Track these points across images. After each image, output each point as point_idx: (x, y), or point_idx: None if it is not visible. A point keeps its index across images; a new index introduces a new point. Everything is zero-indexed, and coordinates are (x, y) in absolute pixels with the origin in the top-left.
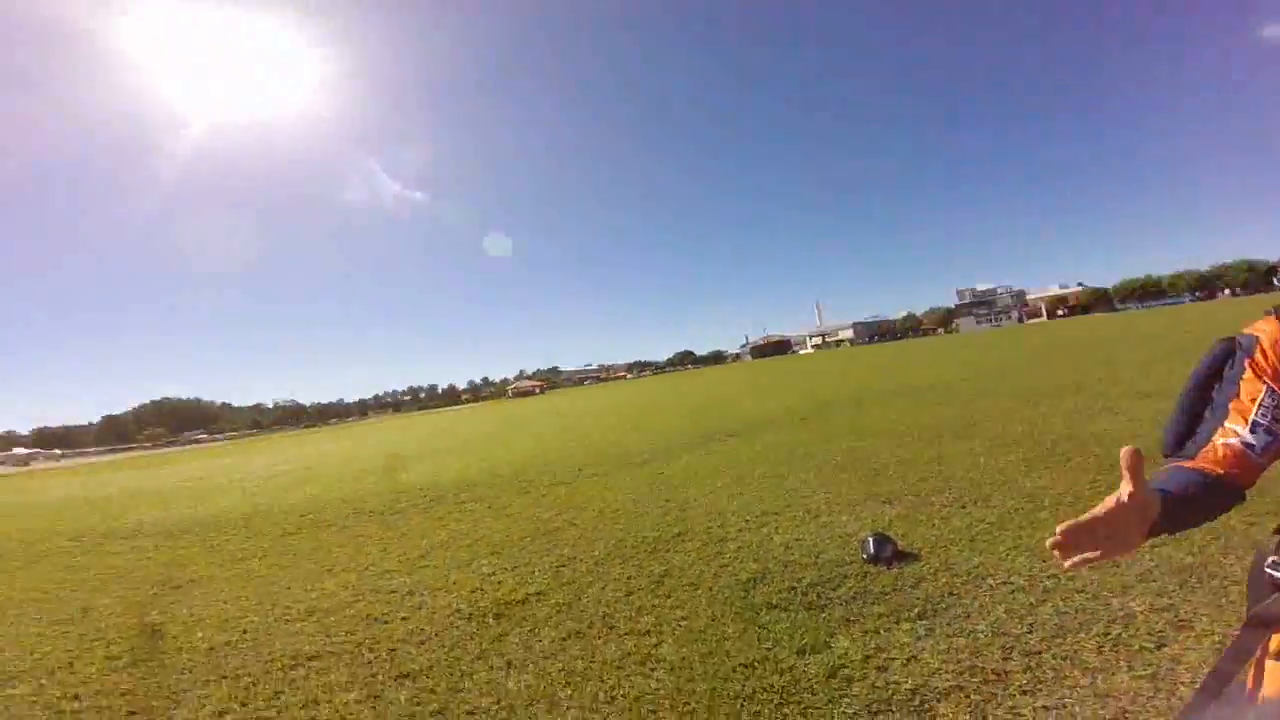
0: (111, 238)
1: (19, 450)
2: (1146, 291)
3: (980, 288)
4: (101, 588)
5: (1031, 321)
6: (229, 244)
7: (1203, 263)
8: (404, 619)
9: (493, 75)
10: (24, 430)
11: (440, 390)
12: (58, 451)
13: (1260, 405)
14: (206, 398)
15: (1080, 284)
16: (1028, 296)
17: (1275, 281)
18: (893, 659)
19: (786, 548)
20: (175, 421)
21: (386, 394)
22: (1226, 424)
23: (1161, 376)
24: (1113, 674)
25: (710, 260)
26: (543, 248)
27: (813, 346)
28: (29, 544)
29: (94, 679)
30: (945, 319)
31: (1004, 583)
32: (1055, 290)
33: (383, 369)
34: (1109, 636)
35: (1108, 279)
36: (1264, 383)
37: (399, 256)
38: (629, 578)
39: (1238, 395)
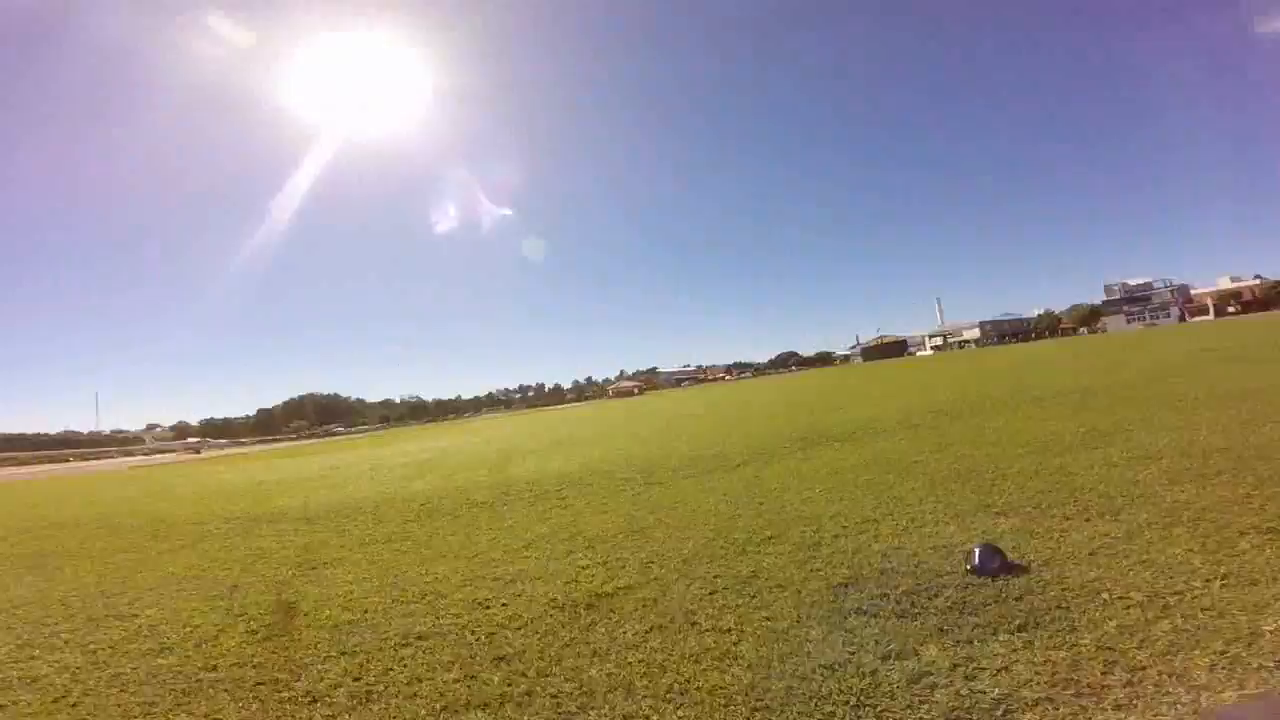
0: (259, 250)
1: (192, 439)
2: None
3: (1133, 282)
4: (249, 567)
5: (1195, 320)
6: (365, 254)
7: None
8: (504, 605)
9: (595, 77)
10: (194, 421)
11: (546, 389)
12: (223, 441)
13: None
14: (343, 393)
15: (1258, 276)
16: (1191, 291)
17: None
18: (982, 669)
19: (884, 555)
20: (316, 415)
21: (498, 391)
22: None
23: None
24: (1220, 692)
25: (816, 254)
26: (642, 246)
27: (932, 348)
28: (195, 524)
29: (233, 651)
30: (1090, 317)
31: (1120, 598)
32: (1226, 284)
33: (494, 367)
34: (1226, 655)
35: None
36: None
37: (508, 263)
38: (715, 577)
39: None
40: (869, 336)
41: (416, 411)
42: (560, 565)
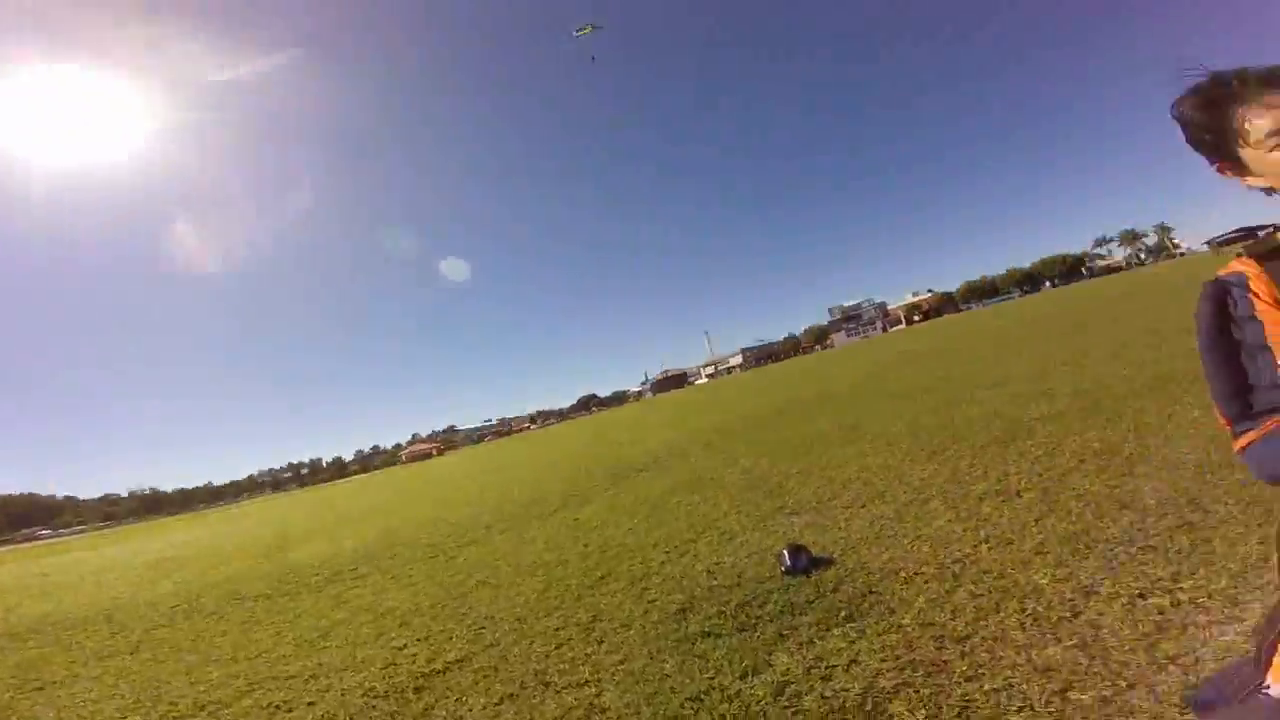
0: None
1: None
2: (984, 291)
3: (848, 303)
4: None
5: (894, 330)
6: (65, 315)
7: (1025, 260)
8: (310, 704)
9: (379, 129)
10: None
11: (325, 464)
12: None
13: None
14: (43, 491)
15: (930, 290)
16: (889, 307)
17: (1084, 271)
18: (834, 666)
19: (709, 573)
20: (6, 518)
21: (263, 473)
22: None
23: (1006, 366)
24: (1044, 648)
25: (604, 301)
26: (431, 303)
27: (707, 376)
28: None
29: None
30: (821, 336)
31: (917, 574)
32: (910, 298)
33: (256, 446)
34: (1027, 612)
35: (952, 283)
36: None
37: (270, 321)
38: (557, 629)
39: (1264, 329)
40: (656, 372)
41: (153, 505)
42: (371, 650)
